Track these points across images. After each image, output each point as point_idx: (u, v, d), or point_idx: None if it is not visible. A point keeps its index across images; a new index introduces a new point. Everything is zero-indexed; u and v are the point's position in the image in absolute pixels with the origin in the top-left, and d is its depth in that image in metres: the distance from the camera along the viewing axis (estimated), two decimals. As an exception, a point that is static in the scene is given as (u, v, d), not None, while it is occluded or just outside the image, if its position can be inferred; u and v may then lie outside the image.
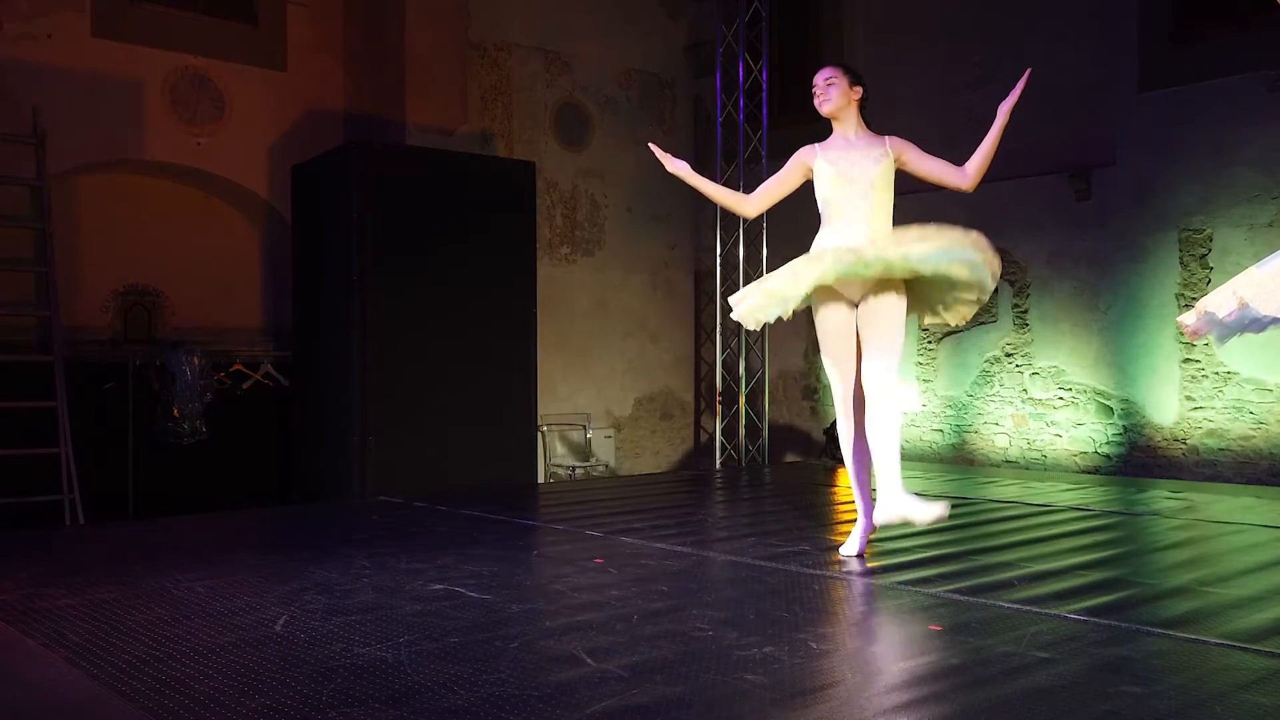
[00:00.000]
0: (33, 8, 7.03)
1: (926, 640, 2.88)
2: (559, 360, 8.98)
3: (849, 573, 3.81)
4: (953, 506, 5.58)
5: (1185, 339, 2.95)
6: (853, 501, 6.15)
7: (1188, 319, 3.01)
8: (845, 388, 4.01)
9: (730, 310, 4.07)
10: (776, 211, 9.91)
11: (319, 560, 4.00)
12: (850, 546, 4.14)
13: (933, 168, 4.25)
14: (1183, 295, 6.99)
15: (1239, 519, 5.07)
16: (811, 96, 4.16)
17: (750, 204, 4.34)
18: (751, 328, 4.10)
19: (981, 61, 8.09)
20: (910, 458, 8.44)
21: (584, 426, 9.19)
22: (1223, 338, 2.95)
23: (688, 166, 4.27)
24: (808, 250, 4.12)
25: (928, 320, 4.26)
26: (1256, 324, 2.83)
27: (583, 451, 9.10)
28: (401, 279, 6.66)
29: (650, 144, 4.46)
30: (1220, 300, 2.88)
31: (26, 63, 6.99)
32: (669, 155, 4.28)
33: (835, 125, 4.22)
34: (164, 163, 7.67)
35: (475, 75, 8.64)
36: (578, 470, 8.94)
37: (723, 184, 9.00)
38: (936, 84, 8.38)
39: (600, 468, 9.13)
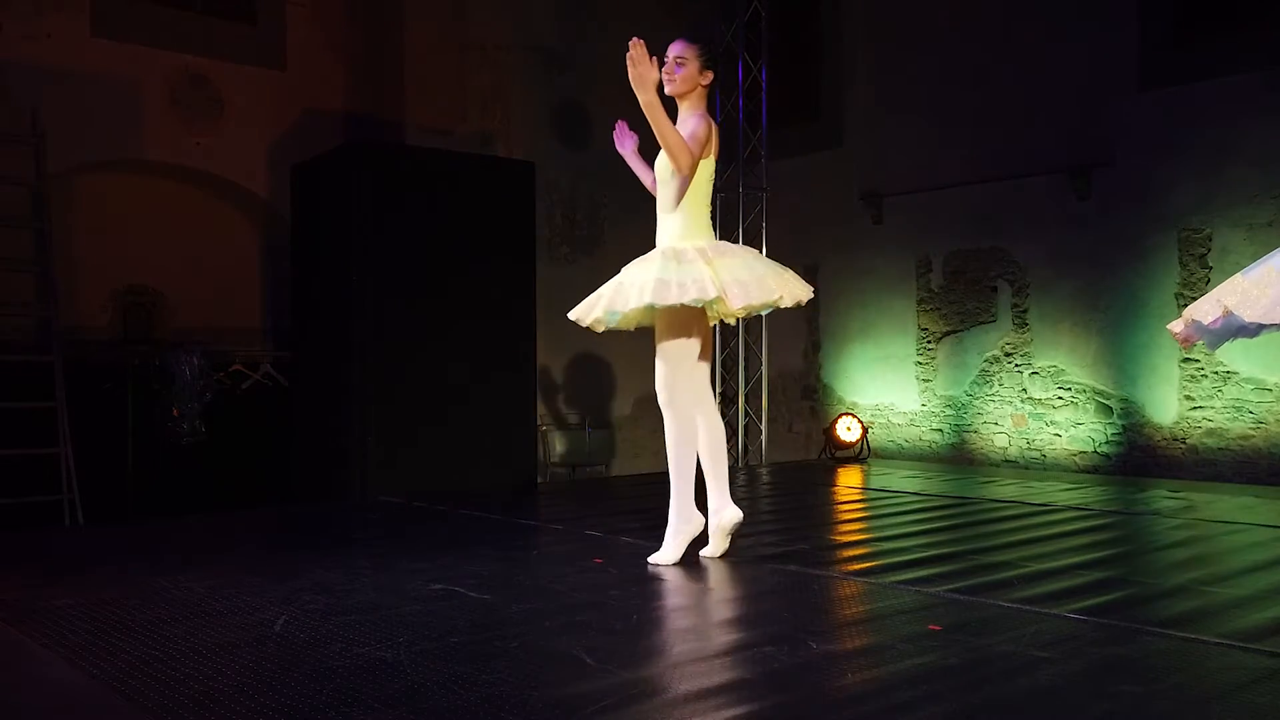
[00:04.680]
0: (32, 8, 7.02)
1: (926, 640, 2.88)
2: (559, 360, 8.98)
3: (849, 573, 3.81)
4: (953, 506, 5.60)
5: (1180, 343, 2.96)
6: (855, 501, 6.17)
7: (1176, 327, 3.00)
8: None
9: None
10: (775, 209, 9.90)
11: (319, 560, 4.00)
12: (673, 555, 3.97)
13: None
14: (1182, 295, 6.99)
15: (1239, 519, 5.07)
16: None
17: (688, 164, 3.84)
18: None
19: (981, 61, 8.09)
20: (910, 457, 8.44)
21: (584, 426, 9.19)
22: (1214, 344, 2.95)
23: (655, 84, 3.80)
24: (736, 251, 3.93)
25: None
26: (1244, 330, 2.82)
27: (582, 451, 9.10)
28: (401, 279, 6.66)
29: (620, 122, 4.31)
30: (1205, 308, 2.87)
31: (26, 63, 6.99)
32: (627, 133, 4.24)
33: (681, 108, 4.02)
34: (164, 163, 7.67)
35: (475, 75, 8.64)
36: (577, 470, 8.94)
37: (722, 183, 9.10)
38: (936, 84, 8.38)
39: (599, 468, 9.13)
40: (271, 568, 3.91)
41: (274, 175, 7.95)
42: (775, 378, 9.41)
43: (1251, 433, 6.75)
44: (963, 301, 8.18)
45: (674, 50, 4.03)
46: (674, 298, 3.63)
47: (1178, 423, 7.07)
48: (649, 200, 4.15)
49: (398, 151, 7.21)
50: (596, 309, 3.91)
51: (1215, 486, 6.40)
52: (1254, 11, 6.81)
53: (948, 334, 8.29)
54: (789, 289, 3.80)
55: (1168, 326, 3.14)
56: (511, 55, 8.88)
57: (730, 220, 9.05)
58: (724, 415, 9.34)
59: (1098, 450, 7.45)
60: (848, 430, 8.03)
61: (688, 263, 3.72)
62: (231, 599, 3.35)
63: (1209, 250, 6.93)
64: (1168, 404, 7.11)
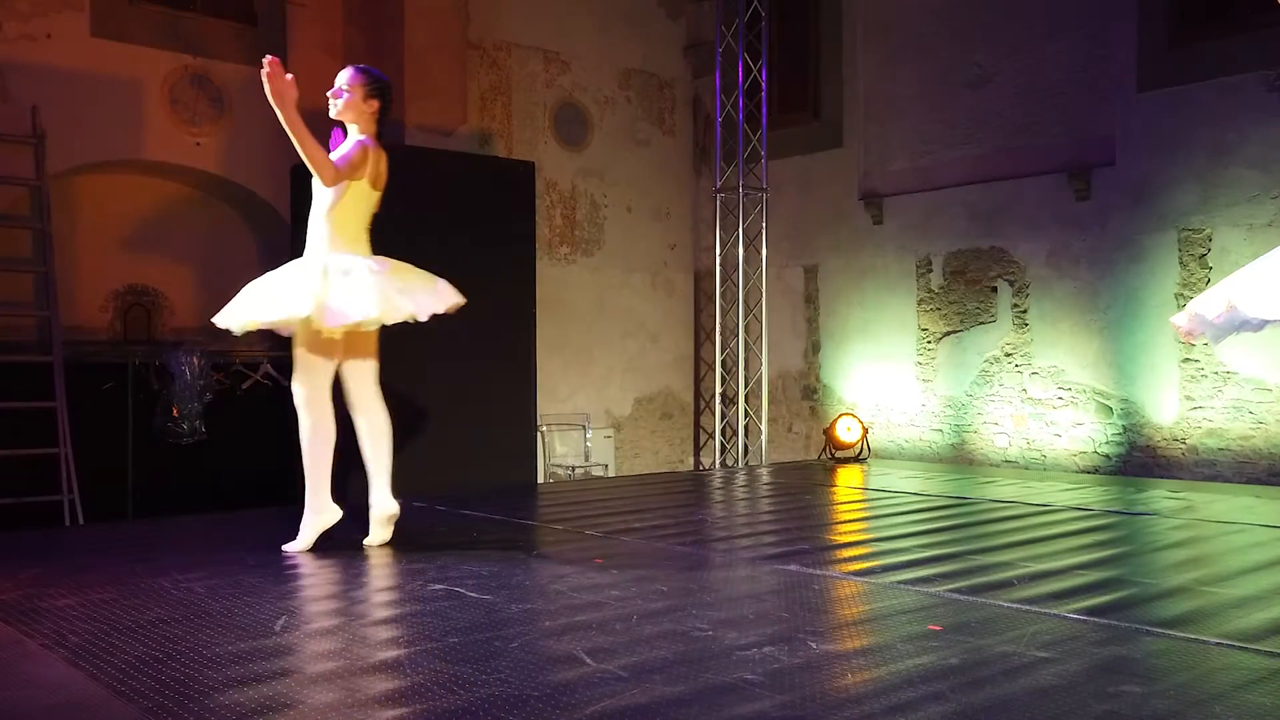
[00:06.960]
0: (32, 8, 7.02)
1: (926, 640, 2.88)
2: (559, 360, 8.98)
3: (849, 573, 3.81)
4: (953, 506, 5.59)
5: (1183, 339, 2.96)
6: (855, 501, 6.17)
7: (1180, 320, 3.01)
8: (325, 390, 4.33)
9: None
10: (775, 209, 9.88)
11: (319, 560, 4.00)
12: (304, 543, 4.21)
13: None
14: (1182, 295, 6.99)
15: (1239, 519, 5.07)
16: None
17: (329, 178, 3.98)
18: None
19: (981, 61, 8.09)
20: (910, 457, 8.44)
21: (583, 426, 9.19)
22: (1216, 338, 2.96)
23: (294, 101, 3.75)
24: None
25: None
26: (1248, 325, 2.83)
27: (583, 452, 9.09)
28: (401, 279, 6.64)
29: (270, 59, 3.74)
30: (1210, 302, 2.88)
31: (26, 63, 6.99)
32: (284, 77, 3.74)
33: (350, 132, 4.19)
34: (163, 163, 7.66)
35: (475, 75, 8.64)
36: (577, 470, 8.94)
37: (722, 183, 9.12)
38: (936, 84, 8.38)
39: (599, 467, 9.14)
40: (271, 568, 3.92)
41: (273, 175, 7.94)
42: (775, 378, 9.42)
43: (1251, 433, 6.75)
44: (963, 301, 8.18)
45: (338, 79, 4.15)
46: (334, 321, 4.00)
47: (1178, 423, 7.07)
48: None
49: (397, 151, 7.17)
50: (247, 316, 4.23)
51: (1215, 486, 6.40)
52: (1253, 11, 6.81)
53: (948, 334, 8.29)
54: (422, 306, 4.18)
55: (1171, 320, 3.15)
56: (511, 55, 8.88)
57: (730, 220, 9.05)
58: (724, 415, 9.41)
59: (1098, 450, 7.45)
60: (848, 430, 8.02)
61: (342, 278, 4.01)
62: (231, 599, 3.35)
63: (1209, 250, 6.93)
64: (1168, 404, 7.11)
